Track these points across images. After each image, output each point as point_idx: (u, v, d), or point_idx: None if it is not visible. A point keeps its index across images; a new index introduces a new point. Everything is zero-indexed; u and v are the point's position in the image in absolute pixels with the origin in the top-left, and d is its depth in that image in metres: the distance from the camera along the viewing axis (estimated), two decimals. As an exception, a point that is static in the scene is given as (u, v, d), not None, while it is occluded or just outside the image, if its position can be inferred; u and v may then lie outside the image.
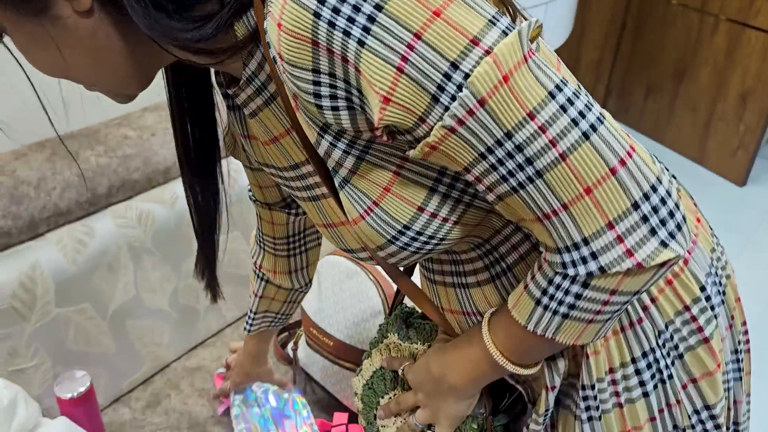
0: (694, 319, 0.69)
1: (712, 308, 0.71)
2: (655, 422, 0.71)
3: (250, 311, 1.10)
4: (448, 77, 0.46)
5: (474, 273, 0.68)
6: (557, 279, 0.55)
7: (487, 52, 0.45)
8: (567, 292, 0.55)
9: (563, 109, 0.48)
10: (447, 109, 0.47)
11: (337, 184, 0.59)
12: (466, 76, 0.46)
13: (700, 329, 0.69)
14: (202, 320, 1.46)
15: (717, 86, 2.93)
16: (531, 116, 0.47)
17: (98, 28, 0.54)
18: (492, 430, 0.76)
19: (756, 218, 2.78)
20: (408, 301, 0.90)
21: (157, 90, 1.52)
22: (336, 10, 0.46)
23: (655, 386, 0.69)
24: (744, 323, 0.81)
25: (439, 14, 0.46)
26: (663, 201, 0.50)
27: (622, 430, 0.70)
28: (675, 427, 0.73)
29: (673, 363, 0.70)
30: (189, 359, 1.43)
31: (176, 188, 1.35)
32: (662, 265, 0.52)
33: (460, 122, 0.47)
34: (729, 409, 0.80)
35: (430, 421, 0.74)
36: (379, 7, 0.45)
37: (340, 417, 1.23)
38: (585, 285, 0.54)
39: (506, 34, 0.46)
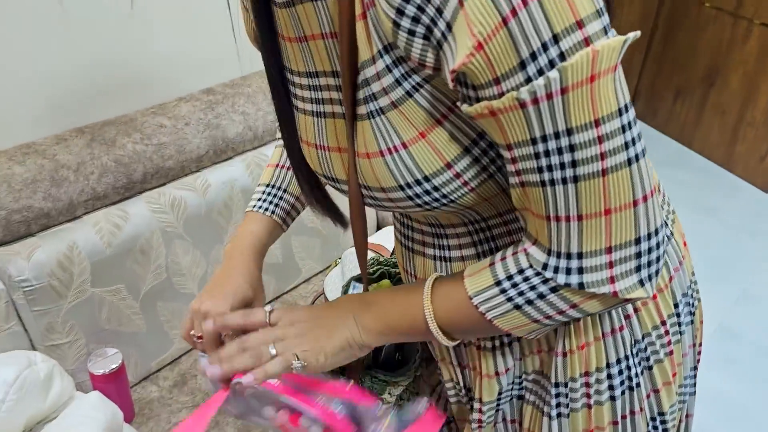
0: (667, 333, 0.72)
1: (680, 325, 0.74)
2: (617, 426, 0.72)
3: (276, 188, 0.87)
4: (545, 48, 0.44)
5: (459, 247, 0.68)
6: (529, 272, 0.55)
7: (587, 42, 0.44)
8: (533, 288, 0.55)
9: (623, 129, 0.48)
10: (528, 80, 0.45)
11: (366, 112, 0.56)
12: (561, 55, 0.44)
13: (669, 343, 0.72)
14: (229, 305, 1.50)
15: (747, 91, 2.90)
16: (596, 123, 0.47)
17: None
18: (359, 380, 0.75)
19: (783, 225, 2.75)
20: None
21: (190, 81, 1.55)
22: None
23: (623, 392, 0.71)
24: (701, 344, 0.84)
25: None
26: (658, 246, 0.53)
27: (585, 429, 0.71)
28: None
29: (642, 372, 0.72)
30: (215, 343, 1.47)
31: (208, 176, 1.39)
32: (628, 300, 0.54)
33: (535, 101, 0.46)
34: (681, 421, 0.82)
35: (296, 351, 0.64)
36: None
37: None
38: (554, 290, 0.55)
39: (605, 32, 0.46)
